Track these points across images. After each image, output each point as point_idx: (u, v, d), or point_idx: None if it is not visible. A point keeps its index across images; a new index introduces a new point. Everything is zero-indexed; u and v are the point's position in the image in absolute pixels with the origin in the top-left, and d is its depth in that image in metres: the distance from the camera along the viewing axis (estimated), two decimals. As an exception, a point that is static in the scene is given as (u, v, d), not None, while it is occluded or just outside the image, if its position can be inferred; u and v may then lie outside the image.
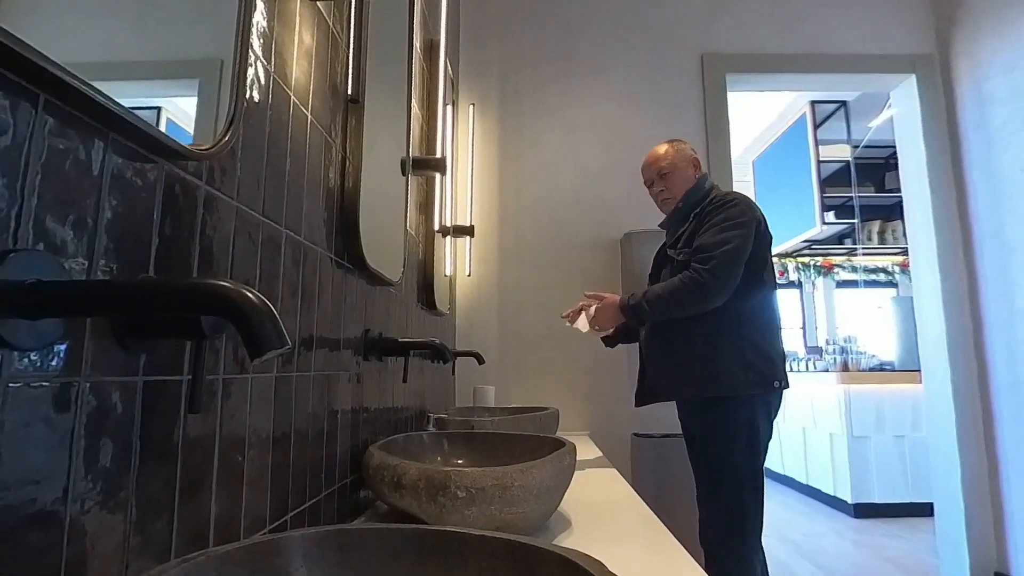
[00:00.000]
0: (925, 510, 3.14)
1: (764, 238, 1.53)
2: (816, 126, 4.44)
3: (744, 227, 1.48)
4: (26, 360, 0.31)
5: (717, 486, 1.50)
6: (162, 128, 0.41)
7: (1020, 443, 2.23)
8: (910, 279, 2.72)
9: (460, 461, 1.01)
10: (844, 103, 4.39)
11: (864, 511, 3.55)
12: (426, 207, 1.62)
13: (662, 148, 1.69)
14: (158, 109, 0.42)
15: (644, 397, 1.69)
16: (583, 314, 1.59)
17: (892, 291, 5.57)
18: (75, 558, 0.34)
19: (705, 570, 0.66)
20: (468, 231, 2.02)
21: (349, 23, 0.85)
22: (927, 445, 2.61)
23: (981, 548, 2.33)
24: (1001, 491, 2.31)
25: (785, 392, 1.54)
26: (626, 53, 2.55)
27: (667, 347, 1.58)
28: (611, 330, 1.65)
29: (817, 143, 4.44)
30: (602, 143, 2.49)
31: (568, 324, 1.63)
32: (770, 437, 1.53)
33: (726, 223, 1.48)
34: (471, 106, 2.37)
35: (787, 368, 1.57)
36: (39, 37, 0.29)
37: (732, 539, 1.46)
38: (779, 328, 1.59)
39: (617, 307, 1.55)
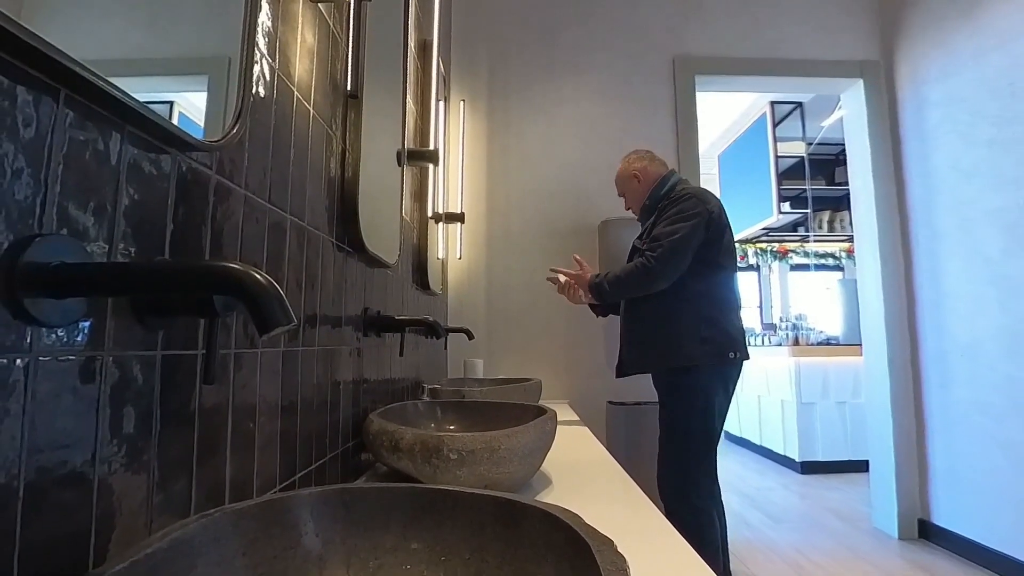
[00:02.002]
0: (862, 466, 3.24)
1: (717, 225, 1.55)
2: (775, 124, 4.45)
3: (693, 218, 1.51)
4: (53, 336, 0.31)
5: (672, 444, 1.54)
6: (175, 121, 0.40)
7: (944, 408, 2.31)
8: (855, 263, 2.76)
9: (452, 427, 1.02)
10: (800, 104, 4.40)
11: (809, 468, 3.66)
12: (420, 195, 1.61)
13: (619, 166, 1.76)
14: (171, 103, 0.41)
15: (621, 369, 1.72)
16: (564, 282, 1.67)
17: (839, 274, 5.65)
18: (104, 514, 0.34)
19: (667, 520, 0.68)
20: (459, 218, 2.01)
21: (348, 24, 0.84)
22: (865, 410, 2.68)
23: (908, 498, 2.42)
24: (927, 449, 2.39)
25: (744, 364, 1.57)
26: (604, 55, 2.53)
27: (635, 325, 1.62)
28: (586, 302, 1.71)
29: (775, 140, 4.46)
30: (582, 138, 2.48)
31: (553, 282, 1.72)
32: (727, 404, 1.56)
33: (678, 215, 1.52)
34: (462, 102, 2.33)
35: (746, 342, 1.61)
36: (59, 36, 0.28)
37: (687, 491, 1.49)
38: (738, 306, 1.61)
39: (586, 284, 1.61)
